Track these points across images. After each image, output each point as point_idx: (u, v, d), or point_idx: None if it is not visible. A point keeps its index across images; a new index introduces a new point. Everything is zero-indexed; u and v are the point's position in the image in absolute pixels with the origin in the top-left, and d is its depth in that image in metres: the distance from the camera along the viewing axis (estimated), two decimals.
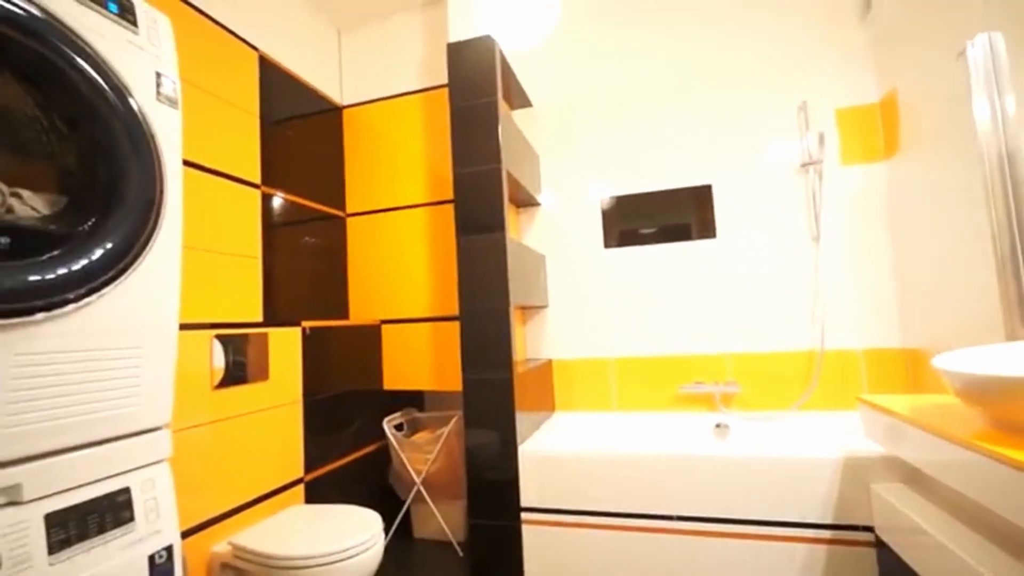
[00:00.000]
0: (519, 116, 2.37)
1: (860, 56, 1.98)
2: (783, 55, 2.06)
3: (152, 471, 0.92)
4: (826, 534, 1.41)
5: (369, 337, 2.21)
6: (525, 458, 1.72)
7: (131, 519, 0.87)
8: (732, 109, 2.11)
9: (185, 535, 1.34)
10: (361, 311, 2.27)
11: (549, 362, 2.28)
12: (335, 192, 2.29)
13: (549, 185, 2.37)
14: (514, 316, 1.82)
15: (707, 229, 2.13)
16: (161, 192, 0.93)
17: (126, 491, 0.87)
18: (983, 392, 0.93)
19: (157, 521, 0.91)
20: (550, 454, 1.70)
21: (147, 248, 0.90)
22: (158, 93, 0.94)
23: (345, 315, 2.27)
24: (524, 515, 1.69)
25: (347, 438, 2.04)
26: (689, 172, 2.16)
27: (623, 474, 1.61)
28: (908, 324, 1.86)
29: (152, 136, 0.92)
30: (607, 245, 2.26)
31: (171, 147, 0.96)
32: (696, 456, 1.55)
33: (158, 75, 0.95)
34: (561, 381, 2.29)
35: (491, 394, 1.76)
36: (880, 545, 1.34)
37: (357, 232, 2.32)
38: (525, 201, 2.31)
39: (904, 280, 1.86)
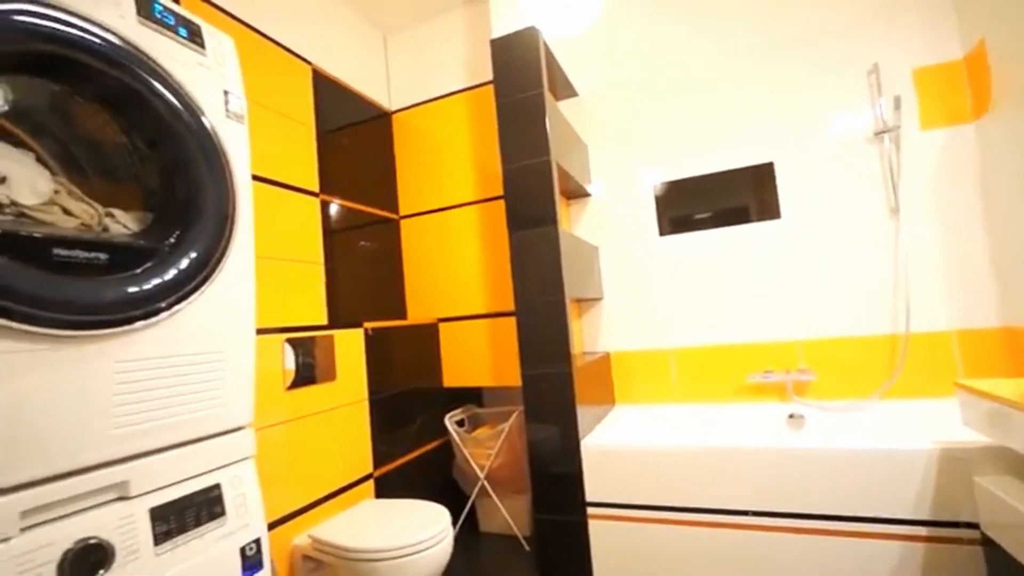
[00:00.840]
0: (565, 107, 2.34)
1: (939, 8, 1.80)
2: (846, 17, 1.91)
3: (239, 468, 0.98)
4: (923, 531, 1.30)
5: (427, 336, 2.26)
6: (588, 452, 1.69)
7: (223, 513, 0.92)
8: (791, 80, 1.98)
9: (268, 528, 1.42)
10: (418, 310, 2.32)
11: (607, 355, 2.24)
12: (388, 196, 2.35)
13: (599, 175, 2.32)
14: (570, 309, 1.80)
15: (770, 209, 2.01)
16: (234, 204, 0.98)
17: (217, 487, 0.93)
18: None
19: (246, 515, 0.97)
20: (613, 448, 1.67)
21: (224, 257, 0.96)
22: (227, 110, 0.99)
23: (403, 315, 2.32)
24: (590, 510, 1.67)
25: (411, 435, 2.10)
26: (747, 151, 2.05)
27: (690, 468, 1.55)
28: (1009, 299, 1.68)
29: (224, 151, 0.97)
30: (662, 233, 2.19)
31: (240, 161, 1.01)
32: (770, 448, 1.47)
33: (226, 93, 1.00)
34: (620, 374, 2.24)
35: (550, 389, 1.75)
36: (987, 543, 1.22)
37: (410, 233, 2.37)
38: (575, 192, 2.28)
39: (1002, 251, 1.69)
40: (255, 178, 1.58)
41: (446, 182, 2.31)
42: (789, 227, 1.98)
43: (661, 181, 2.19)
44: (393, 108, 2.43)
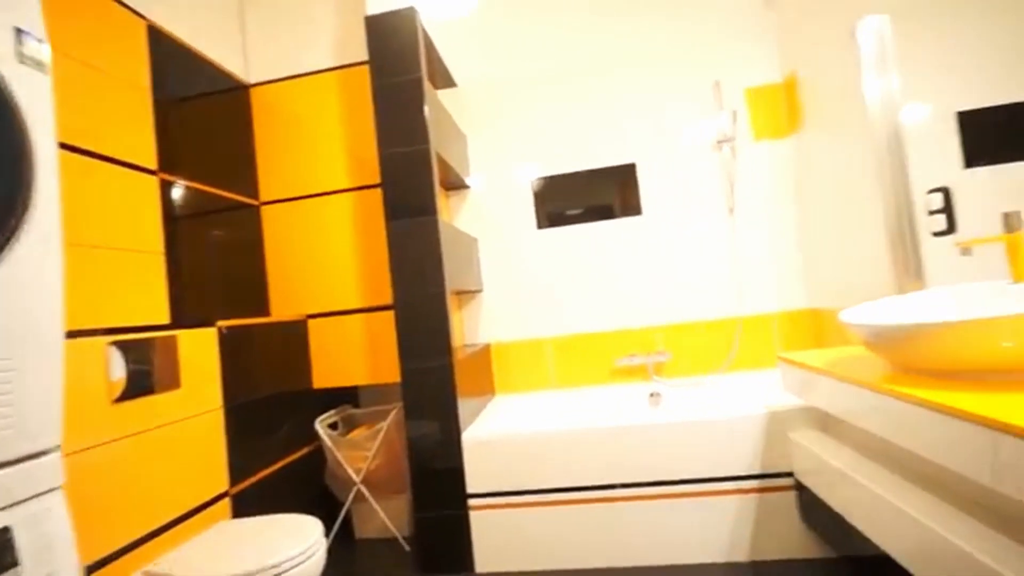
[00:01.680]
0: (444, 96, 2.30)
1: (765, 38, 2.11)
2: (697, 37, 2.15)
3: (39, 504, 0.79)
4: (754, 484, 1.52)
5: (295, 334, 2.07)
6: (469, 444, 1.69)
7: (14, 564, 0.74)
8: (654, 89, 2.18)
9: (93, 569, 1.18)
10: (284, 306, 2.12)
11: (487, 346, 2.26)
12: (246, 179, 2.10)
13: (478, 167, 2.33)
14: (450, 301, 1.78)
15: (633, 206, 2.20)
16: (29, 175, 0.79)
17: (5, 531, 0.74)
18: (887, 340, 1.03)
19: (51, 561, 0.79)
20: (493, 438, 1.69)
21: (12, 242, 0.76)
22: (20, 54, 0.79)
23: (266, 311, 2.10)
24: (471, 502, 1.68)
25: (277, 443, 1.91)
26: (615, 151, 2.21)
27: (564, 450, 1.63)
28: (813, 287, 2.03)
29: (14, 105, 0.77)
30: (540, 226, 2.27)
31: (41, 121, 0.81)
32: (631, 426, 1.60)
33: (18, 32, 0.80)
34: (500, 364, 2.28)
35: (431, 382, 1.71)
36: (799, 488, 1.47)
37: (274, 221, 2.15)
38: (455, 183, 2.26)
39: (809, 247, 2.04)
40: (68, 147, 1.30)
41: (316, 167, 2.13)
42: (649, 223, 2.18)
43: (538, 176, 2.27)
44: (252, 81, 2.18)
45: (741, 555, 1.52)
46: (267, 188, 2.16)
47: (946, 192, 1.30)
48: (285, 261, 2.13)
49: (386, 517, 1.97)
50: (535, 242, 2.26)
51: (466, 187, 2.32)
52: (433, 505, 1.70)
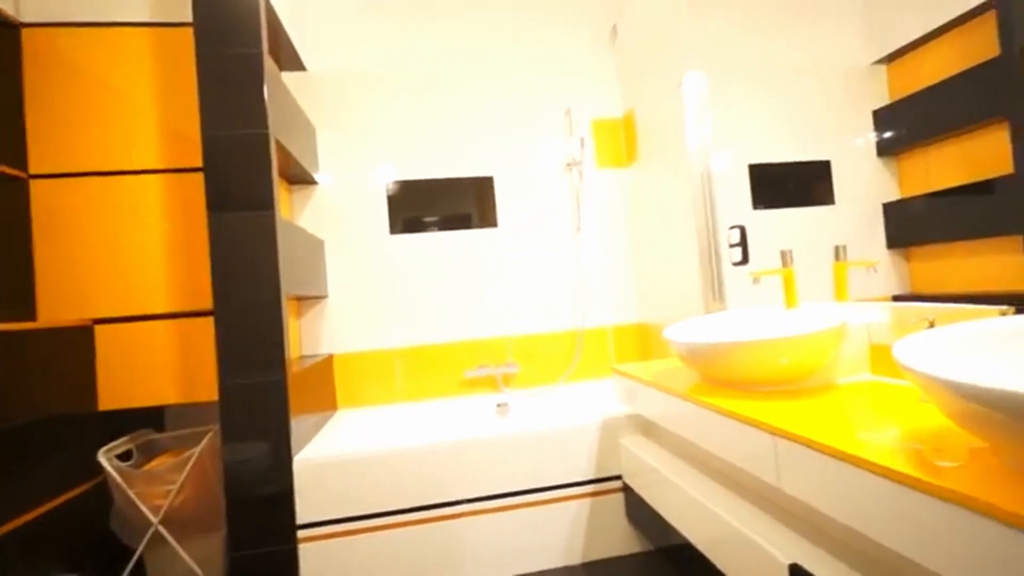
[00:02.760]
0: (290, 80, 2.07)
1: (610, 75, 2.32)
2: (554, 64, 2.28)
3: None
4: (589, 488, 1.62)
5: (72, 343, 1.66)
6: (302, 468, 1.52)
7: None
8: (513, 106, 2.25)
9: None
10: (58, 308, 1.68)
11: (330, 357, 2.08)
12: (8, 143, 1.63)
13: (328, 163, 2.15)
14: (287, 308, 1.59)
15: (490, 218, 2.23)
16: None
17: None
18: (695, 355, 1.17)
19: None
20: (330, 459, 1.54)
21: None
22: None
23: (31, 314, 1.65)
24: (301, 533, 1.51)
25: (39, 482, 1.50)
26: (475, 163, 2.22)
27: (409, 468, 1.56)
28: (643, 303, 2.28)
29: None
30: (393, 231, 2.17)
31: None
32: (477, 439, 1.60)
33: None
34: (344, 376, 2.12)
35: (259, 400, 1.51)
36: (626, 489, 1.61)
37: (50, 200, 1.70)
38: (299, 178, 2.05)
39: (640, 267, 2.28)
40: None
41: (116, 140, 1.74)
42: (504, 236, 2.23)
43: (395, 179, 2.17)
44: (24, 19, 1.71)
45: (576, 558, 1.61)
46: (41, 158, 1.71)
47: (742, 229, 1.55)
48: (63, 251, 1.70)
49: (192, 562, 1.67)
50: (388, 248, 2.16)
51: (314, 183, 2.12)
52: (254, 541, 1.49)
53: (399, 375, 2.15)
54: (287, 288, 1.58)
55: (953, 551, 0.56)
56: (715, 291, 1.65)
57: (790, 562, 0.84)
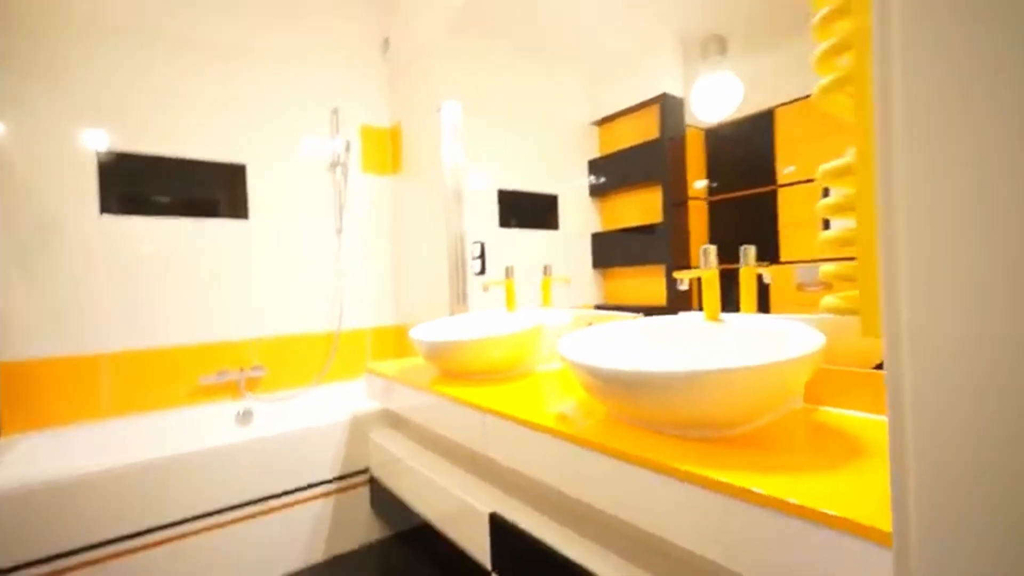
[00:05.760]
0: None
1: (381, 85, 2.40)
2: (323, 62, 2.24)
3: None
4: (336, 485, 1.66)
5: None
6: None
7: None
8: (275, 96, 2.12)
9: None
10: None
11: None
12: None
13: (10, 111, 1.66)
14: None
15: (238, 209, 2.05)
16: None
17: None
18: (432, 352, 1.35)
19: None
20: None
21: None
22: None
23: None
24: None
25: None
26: (225, 146, 2.01)
27: (125, 490, 1.35)
28: (400, 306, 2.41)
29: None
30: (105, 210, 1.80)
31: None
32: (206, 450, 1.47)
33: None
34: (18, 391, 1.66)
35: None
36: (372, 480, 1.70)
37: None
38: None
39: (399, 272, 2.41)
40: None
41: None
42: (256, 230, 2.08)
43: (112, 149, 1.81)
44: None
45: (317, 556, 1.62)
46: None
47: (482, 245, 1.82)
48: None
49: None
50: (96, 229, 1.78)
51: None
52: None
53: (107, 386, 1.79)
54: None
55: (591, 480, 0.81)
56: (460, 296, 1.89)
57: (490, 511, 1.06)
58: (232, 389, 2.00)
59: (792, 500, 0.53)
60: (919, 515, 0.33)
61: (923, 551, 0.33)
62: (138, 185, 1.86)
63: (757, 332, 0.88)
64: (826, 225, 0.93)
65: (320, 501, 1.62)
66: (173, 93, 1.91)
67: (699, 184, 1.44)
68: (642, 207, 1.75)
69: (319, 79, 2.23)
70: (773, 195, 1.23)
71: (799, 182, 1.17)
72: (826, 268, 0.74)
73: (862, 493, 0.54)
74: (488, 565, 1.07)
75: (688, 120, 1.50)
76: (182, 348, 1.91)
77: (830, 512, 0.50)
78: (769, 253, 1.10)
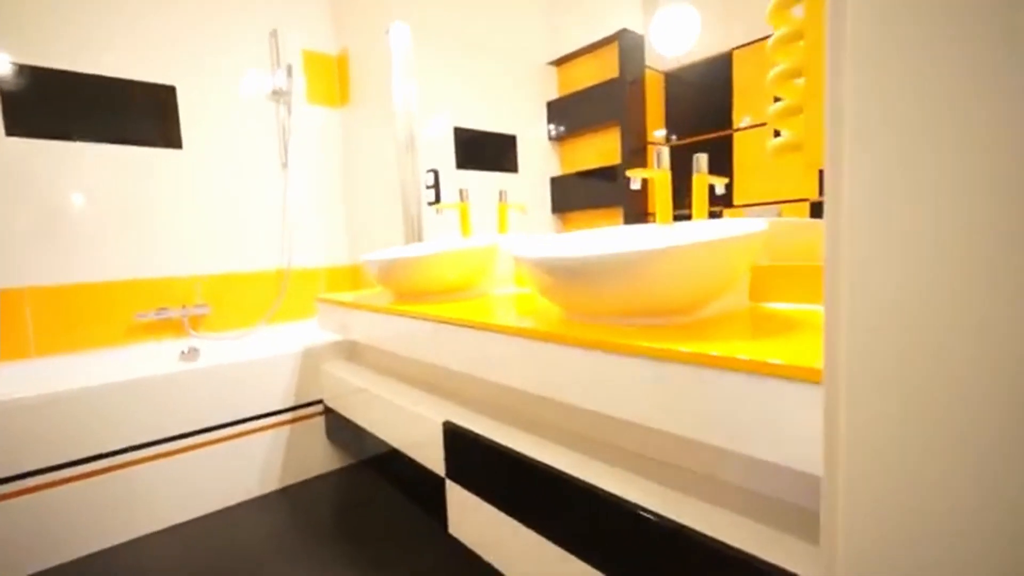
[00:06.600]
0: None
1: (324, 7, 2.23)
2: None
3: None
4: (288, 416, 1.63)
5: None
6: None
7: None
8: (207, 9, 1.93)
9: None
10: None
11: None
12: None
13: None
14: None
15: (171, 137, 1.89)
16: None
17: None
18: (385, 272, 1.31)
19: None
20: None
21: None
22: None
23: None
24: None
25: None
26: (150, 65, 1.83)
27: (65, 418, 1.28)
28: (354, 243, 2.33)
29: None
30: (11, 132, 1.62)
31: None
32: (156, 377, 1.41)
33: None
34: None
35: None
36: (327, 411, 1.68)
37: None
38: None
39: (352, 208, 2.32)
40: None
41: None
42: (192, 160, 1.94)
43: (15, 62, 1.61)
44: None
45: (272, 485, 1.60)
46: None
47: (435, 172, 1.76)
48: None
49: None
50: (1, 152, 1.60)
51: None
52: None
53: (32, 323, 1.66)
54: None
55: (544, 373, 0.82)
56: (415, 232, 1.84)
57: (443, 420, 1.07)
58: (175, 327, 1.90)
59: (742, 356, 0.55)
60: (848, 355, 0.36)
61: (851, 386, 0.36)
62: (51, 105, 1.67)
63: (704, 229, 0.90)
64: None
65: (272, 432, 1.59)
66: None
67: (659, 133, 1.44)
68: (601, 150, 1.73)
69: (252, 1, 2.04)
70: (729, 140, 1.24)
71: (753, 126, 1.18)
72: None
73: (798, 352, 0.56)
74: (442, 472, 1.08)
75: (648, 61, 1.48)
76: (114, 283, 1.79)
77: (774, 361, 0.52)
78: (724, 197, 1.11)
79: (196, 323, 1.95)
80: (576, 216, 1.87)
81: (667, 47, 1.43)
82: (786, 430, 0.52)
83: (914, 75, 0.31)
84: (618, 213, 1.61)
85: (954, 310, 0.31)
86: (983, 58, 0.29)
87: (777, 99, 0.97)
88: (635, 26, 1.53)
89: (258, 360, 1.57)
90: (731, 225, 0.85)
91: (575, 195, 1.85)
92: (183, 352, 1.85)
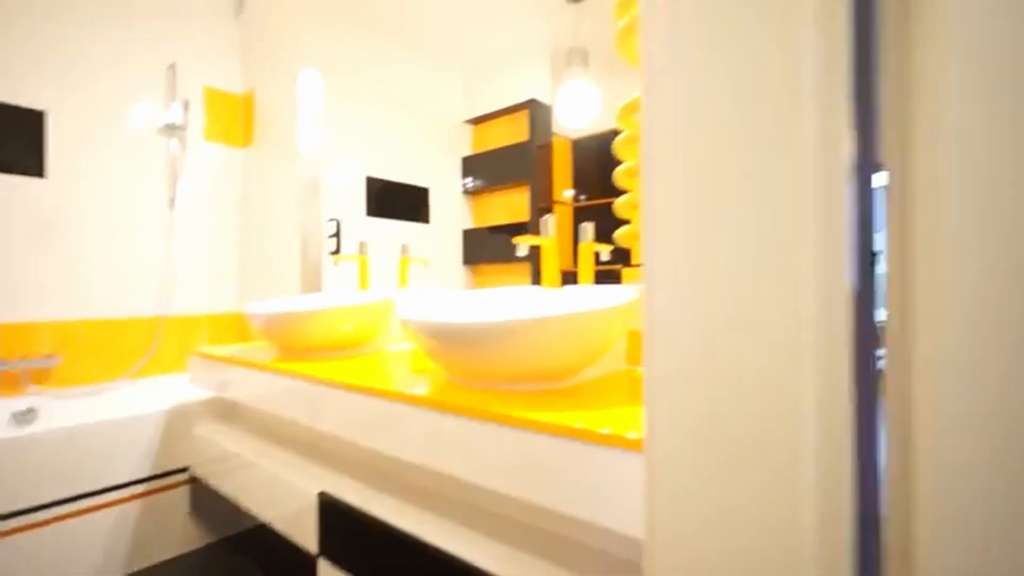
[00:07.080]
0: None
1: (232, 47, 2.17)
2: (157, 10, 1.96)
3: None
4: (143, 488, 1.42)
5: None
6: None
7: None
8: (88, 32, 1.79)
9: None
10: None
11: None
12: None
13: None
14: None
15: (33, 164, 1.69)
16: None
17: None
18: (271, 325, 1.23)
19: None
20: None
21: None
22: None
23: None
24: None
25: None
26: (16, 86, 1.65)
27: None
28: (246, 290, 2.18)
29: None
30: None
31: None
32: None
33: None
34: None
35: None
36: (193, 480, 1.49)
37: None
38: None
39: (246, 253, 2.17)
40: None
41: None
42: (57, 192, 1.73)
43: None
44: None
45: (115, 573, 1.37)
46: None
47: (338, 222, 1.72)
48: None
49: None
50: None
51: None
52: None
53: None
54: None
55: (409, 438, 0.79)
56: (314, 278, 1.76)
57: (318, 491, 0.98)
58: (11, 383, 1.62)
59: (579, 426, 0.57)
60: (661, 431, 0.38)
61: (663, 453, 0.38)
62: None
63: (585, 295, 0.94)
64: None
65: (119, 508, 1.37)
66: None
67: (567, 193, 1.52)
68: (511, 207, 1.80)
69: (151, 25, 1.94)
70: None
71: None
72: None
73: (637, 420, 0.59)
74: (315, 550, 0.98)
75: (557, 128, 1.59)
76: None
77: (603, 431, 0.55)
78: (622, 256, 1.17)
79: (42, 377, 1.68)
80: (487, 268, 1.90)
81: (570, 119, 1.55)
82: (614, 496, 0.54)
83: (703, 183, 0.35)
84: (526, 269, 1.65)
85: (753, 375, 0.34)
86: (754, 169, 0.33)
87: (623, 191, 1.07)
88: (544, 97, 1.65)
89: (110, 421, 1.37)
90: (608, 293, 0.89)
91: (486, 248, 1.88)
92: (15, 413, 1.58)
